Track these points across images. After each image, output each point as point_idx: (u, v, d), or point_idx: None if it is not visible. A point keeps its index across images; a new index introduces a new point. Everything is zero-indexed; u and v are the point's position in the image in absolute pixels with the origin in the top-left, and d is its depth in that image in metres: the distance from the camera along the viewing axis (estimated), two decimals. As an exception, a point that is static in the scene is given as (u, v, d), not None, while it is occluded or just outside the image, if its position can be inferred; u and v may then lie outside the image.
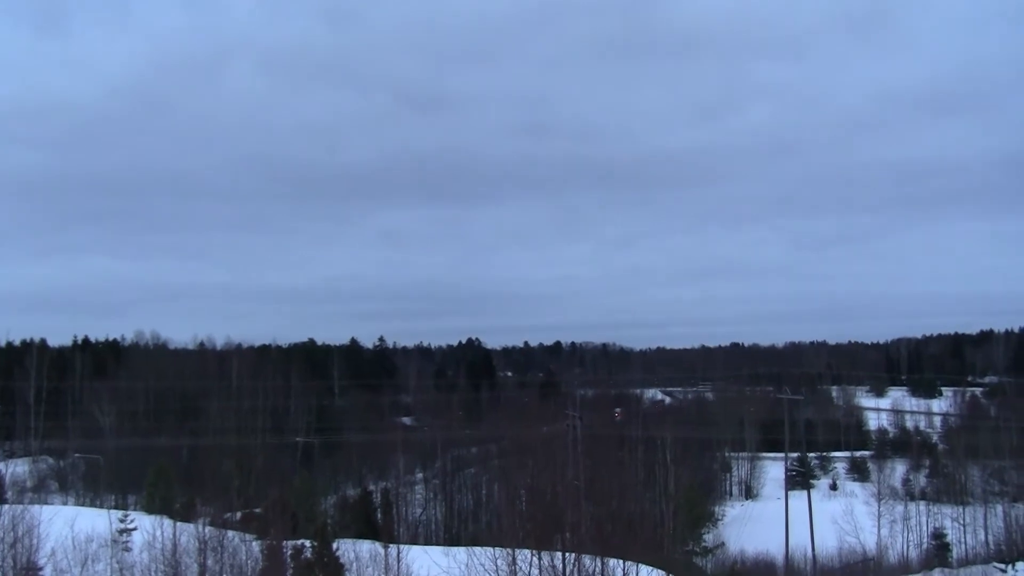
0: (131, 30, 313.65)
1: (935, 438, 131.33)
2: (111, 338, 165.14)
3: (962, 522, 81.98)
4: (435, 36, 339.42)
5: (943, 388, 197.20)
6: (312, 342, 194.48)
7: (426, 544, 71.88)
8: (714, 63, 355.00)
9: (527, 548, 33.47)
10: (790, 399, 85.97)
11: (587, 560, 34.05)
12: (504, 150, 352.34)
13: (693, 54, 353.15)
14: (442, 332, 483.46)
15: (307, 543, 44.36)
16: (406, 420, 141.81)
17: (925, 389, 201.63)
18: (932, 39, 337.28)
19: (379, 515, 76.21)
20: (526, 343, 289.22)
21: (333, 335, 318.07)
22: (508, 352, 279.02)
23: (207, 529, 39.67)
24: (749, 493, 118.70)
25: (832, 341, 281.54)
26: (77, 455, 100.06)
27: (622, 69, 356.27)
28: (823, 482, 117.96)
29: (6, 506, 39.44)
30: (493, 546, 35.93)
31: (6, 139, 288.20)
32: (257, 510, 60.86)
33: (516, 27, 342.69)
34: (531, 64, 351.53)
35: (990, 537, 78.99)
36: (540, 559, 33.32)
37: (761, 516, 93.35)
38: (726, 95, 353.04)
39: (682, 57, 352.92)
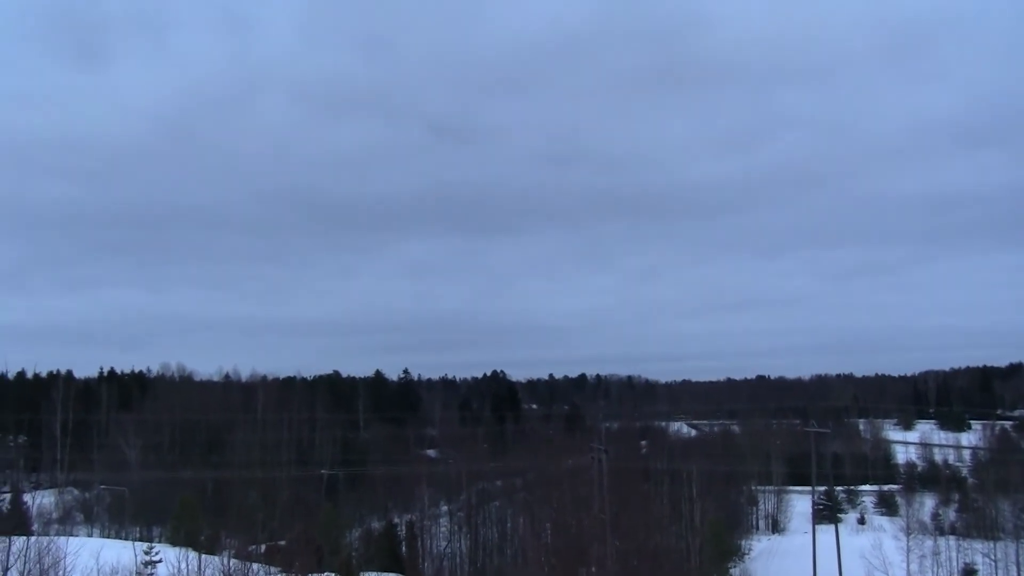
0: (167, 63, 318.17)
1: (964, 472, 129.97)
2: (137, 370, 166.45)
3: (993, 558, 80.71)
4: (467, 68, 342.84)
5: (972, 421, 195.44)
6: (337, 374, 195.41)
7: (451, 578, 71.56)
8: (744, 93, 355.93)
9: (553, 582, 33.26)
10: (817, 432, 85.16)
11: (613, 594, 33.80)
12: (532, 181, 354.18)
13: (723, 84, 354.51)
14: (467, 365, 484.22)
15: (332, 576, 44.27)
16: (431, 453, 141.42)
17: (954, 422, 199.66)
18: (966, 69, 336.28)
19: (404, 548, 76.10)
20: (551, 375, 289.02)
21: (358, 367, 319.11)
22: (533, 385, 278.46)
23: (232, 561, 39.60)
24: (776, 527, 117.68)
25: (859, 374, 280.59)
26: (103, 487, 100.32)
27: (651, 100, 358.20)
28: (851, 516, 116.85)
29: (32, 538, 39.54)
30: (518, 580, 35.72)
31: (40, 171, 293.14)
32: (282, 542, 60.77)
33: (548, 59, 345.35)
34: (561, 96, 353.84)
35: (1023, 573, 77.93)
36: (566, 593, 33.09)
37: (788, 550, 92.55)
38: (755, 125, 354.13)
39: (712, 88, 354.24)
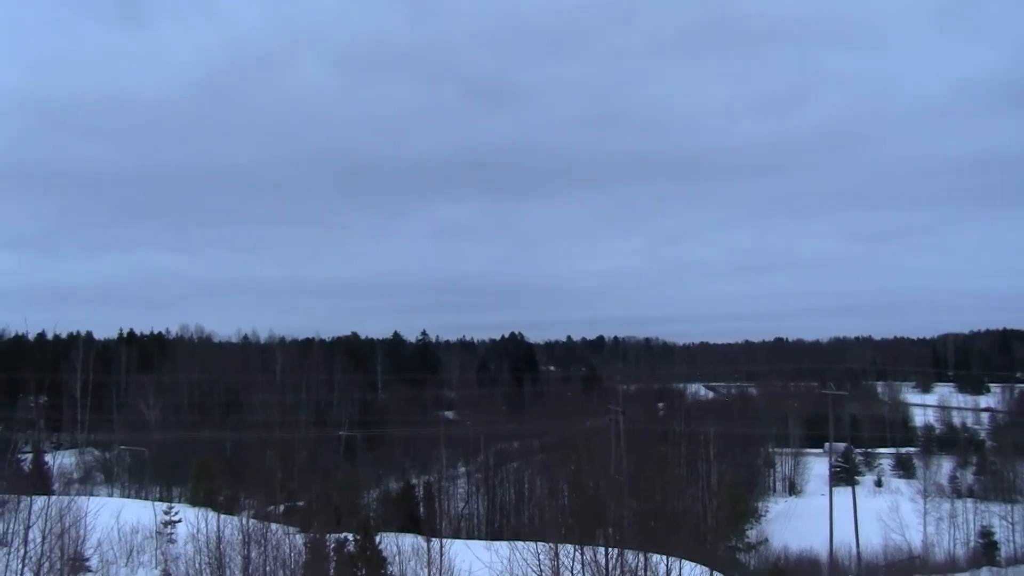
0: (208, 24, 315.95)
1: (983, 435, 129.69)
2: (156, 331, 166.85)
3: (1010, 520, 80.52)
4: (506, 28, 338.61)
5: (991, 384, 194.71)
6: (355, 336, 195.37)
7: (468, 538, 71.77)
8: (785, 54, 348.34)
9: (570, 543, 33.26)
10: (835, 395, 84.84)
11: (630, 555, 33.74)
12: (567, 143, 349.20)
13: (764, 45, 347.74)
14: (485, 326, 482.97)
15: (350, 536, 44.44)
16: (449, 414, 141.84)
17: (973, 385, 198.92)
18: (1011, 28, 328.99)
19: (421, 509, 76.39)
20: (569, 337, 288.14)
21: (376, 329, 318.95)
22: (551, 346, 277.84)
23: (251, 522, 39.72)
24: (793, 489, 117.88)
25: (878, 336, 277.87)
26: (123, 447, 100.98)
27: (692, 61, 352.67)
28: (868, 479, 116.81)
29: (53, 498, 39.69)
30: (535, 541, 35.72)
31: (76, 132, 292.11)
32: (300, 503, 61.13)
33: (587, 19, 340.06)
34: (599, 57, 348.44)
35: (1040, 536, 77.82)
36: (583, 554, 33.09)
37: (805, 512, 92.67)
38: (796, 87, 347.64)
39: (753, 48, 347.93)
